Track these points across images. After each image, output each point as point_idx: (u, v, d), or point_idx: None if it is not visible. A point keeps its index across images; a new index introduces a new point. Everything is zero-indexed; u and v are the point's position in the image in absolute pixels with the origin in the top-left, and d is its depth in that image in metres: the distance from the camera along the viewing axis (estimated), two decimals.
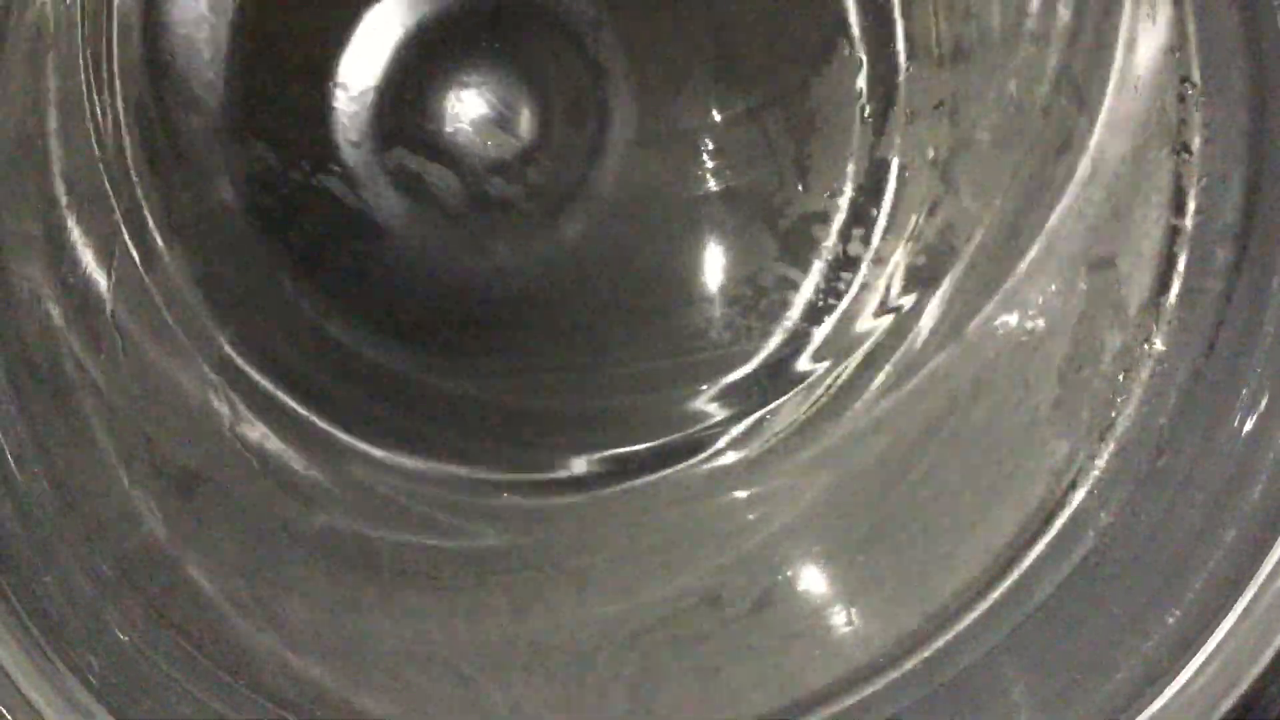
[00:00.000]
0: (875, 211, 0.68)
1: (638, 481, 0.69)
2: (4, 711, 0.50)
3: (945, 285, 0.66)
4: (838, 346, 0.69)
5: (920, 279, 0.67)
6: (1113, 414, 0.58)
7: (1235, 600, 0.51)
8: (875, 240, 0.68)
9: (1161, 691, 0.51)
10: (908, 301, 0.67)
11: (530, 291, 0.70)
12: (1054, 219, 0.61)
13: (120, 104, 0.65)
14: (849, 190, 0.68)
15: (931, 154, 0.67)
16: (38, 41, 0.60)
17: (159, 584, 0.58)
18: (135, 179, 0.66)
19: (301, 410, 0.68)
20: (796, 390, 0.69)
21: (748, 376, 0.70)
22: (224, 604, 0.59)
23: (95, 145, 0.64)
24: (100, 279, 0.62)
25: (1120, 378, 0.59)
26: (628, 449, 0.69)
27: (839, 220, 0.69)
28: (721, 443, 0.69)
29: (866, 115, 0.68)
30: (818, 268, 0.69)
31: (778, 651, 0.62)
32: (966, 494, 0.61)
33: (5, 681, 0.51)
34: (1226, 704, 0.50)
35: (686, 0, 0.69)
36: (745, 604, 0.63)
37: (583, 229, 0.70)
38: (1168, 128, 0.57)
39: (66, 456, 0.58)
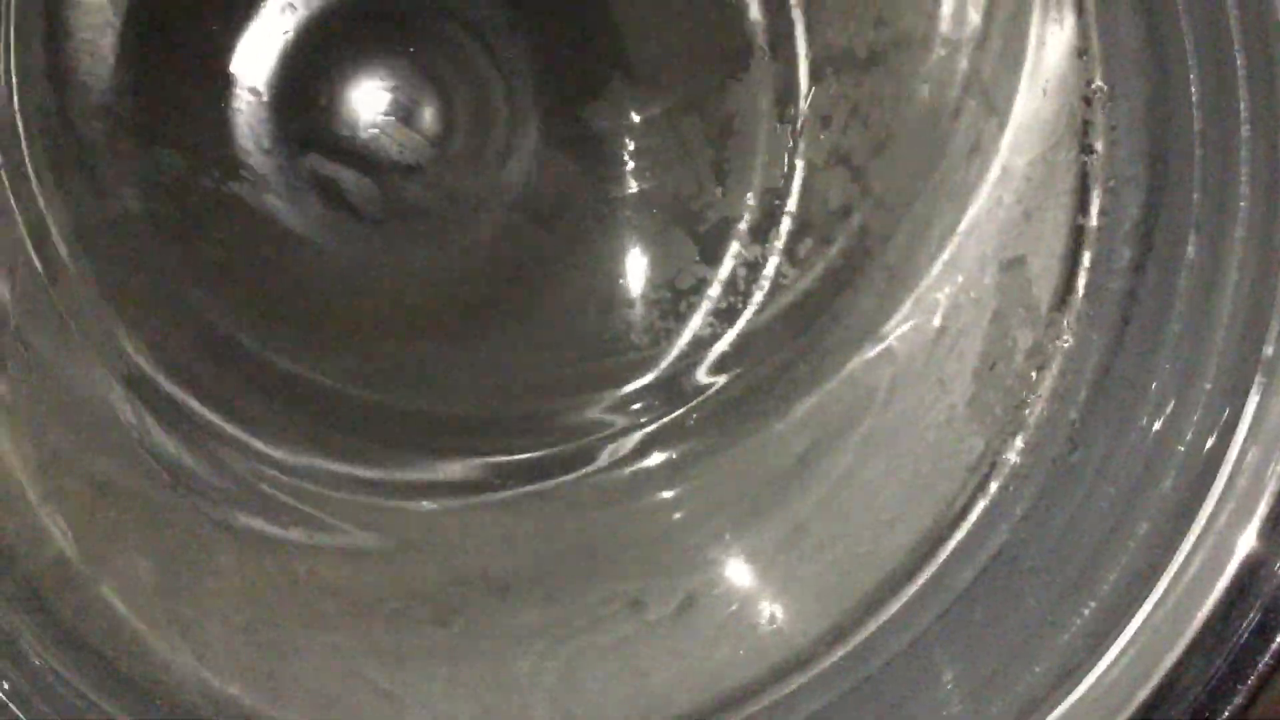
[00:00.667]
0: (791, 214, 0.69)
1: (553, 483, 0.69)
2: None
3: (861, 286, 0.66)
4: (755, 348, 0.69)
5: (836, 280, 0.68)
6: (1026, 411, 0.60)
7: (1149, 591, 0.52)
8: (790, 242, 0.69)
9: (1080, 681, 0.52)
10: (824, 303, 0.68)
11: (444, 297, 0.70)
12: (966, 220, 0.62)
13: (19, 112, 0.64)
14: (766, 193, 0.69)
15: (846, 157, 0.67)
16: None
17: (71, 605, 0.57)
18: (37, 189, 0.64)
19: (213, 419, 0.67)
20: (713, 391, 0.69)
21: (665, 379, 0.70)
22: (139, 623, 0.58)
23: None
24: (4, 292, 0.61)
25: (1033, 375, 0.60)
26: (544, 452, 0.69)
27: (756, 223, 0.69)
28: (639, 445, 0.69)
29: (783, 119, 0.68)
30: (735, 270, 0.69)
31: (702, 652, 0.62)
32: (885, 491, 0.62)
33: None
34: (1143, 693, 0.51)
35: (601, 4, 0.69)
36: (669, 607, 0.63)
37: (497, 233, 0.69)
38: (1075, 130, 0.59)
39: None
